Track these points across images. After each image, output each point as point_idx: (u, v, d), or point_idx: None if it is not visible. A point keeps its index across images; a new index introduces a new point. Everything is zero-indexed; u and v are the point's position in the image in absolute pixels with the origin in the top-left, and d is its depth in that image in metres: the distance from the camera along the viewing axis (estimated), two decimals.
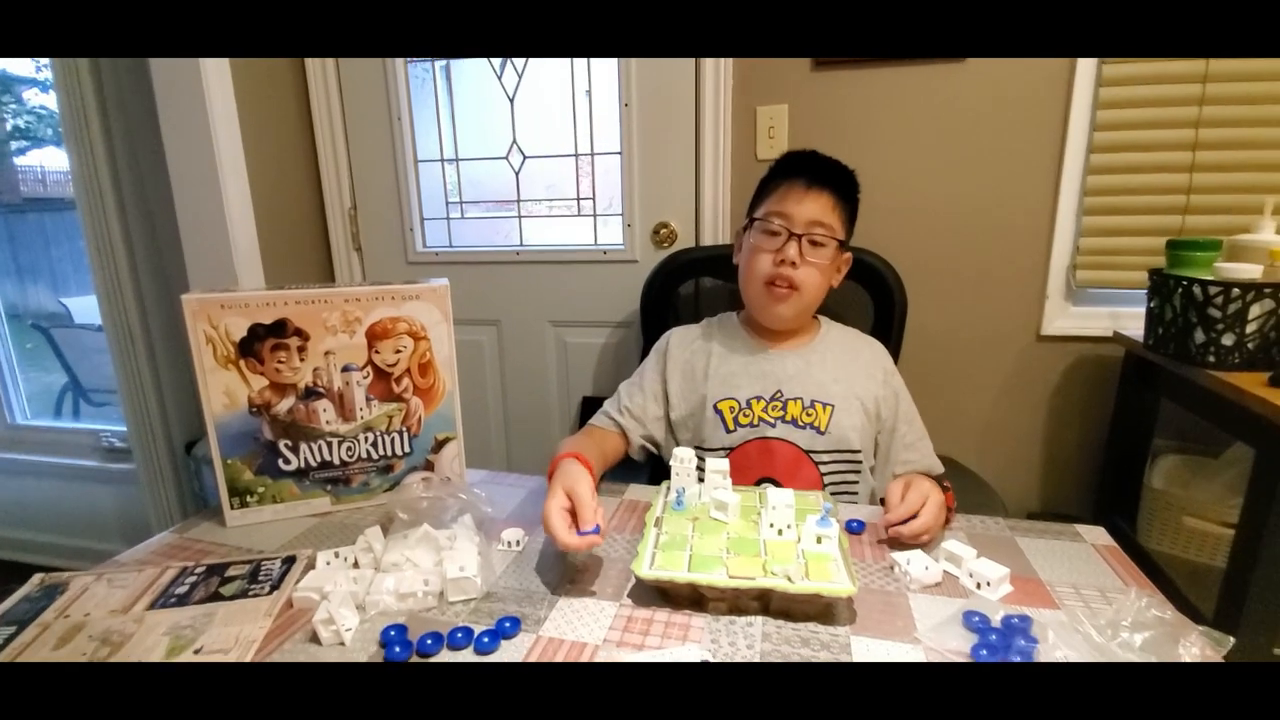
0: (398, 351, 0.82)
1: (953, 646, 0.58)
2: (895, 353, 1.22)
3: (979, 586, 0.67)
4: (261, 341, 0.77)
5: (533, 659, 0.57)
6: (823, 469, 0.91)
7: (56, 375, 2.77)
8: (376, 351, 0.81)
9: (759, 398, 0.93)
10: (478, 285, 1.61)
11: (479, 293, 1.62)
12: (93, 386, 2.72)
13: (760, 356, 0.96)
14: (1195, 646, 0.55)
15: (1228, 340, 1.03)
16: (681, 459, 0.76)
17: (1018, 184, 1.34)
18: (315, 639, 0.60)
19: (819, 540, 0.66)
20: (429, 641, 0.58)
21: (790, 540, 0.67)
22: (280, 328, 0.77)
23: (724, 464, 0.76)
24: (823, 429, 0.91)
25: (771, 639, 0.59)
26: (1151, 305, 1.15)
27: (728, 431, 0.92)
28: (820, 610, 0.62)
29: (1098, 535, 0.78)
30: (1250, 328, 1.02)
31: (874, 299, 1.22)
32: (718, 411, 0.93)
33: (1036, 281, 1.37)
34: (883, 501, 0.77)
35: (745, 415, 0.92)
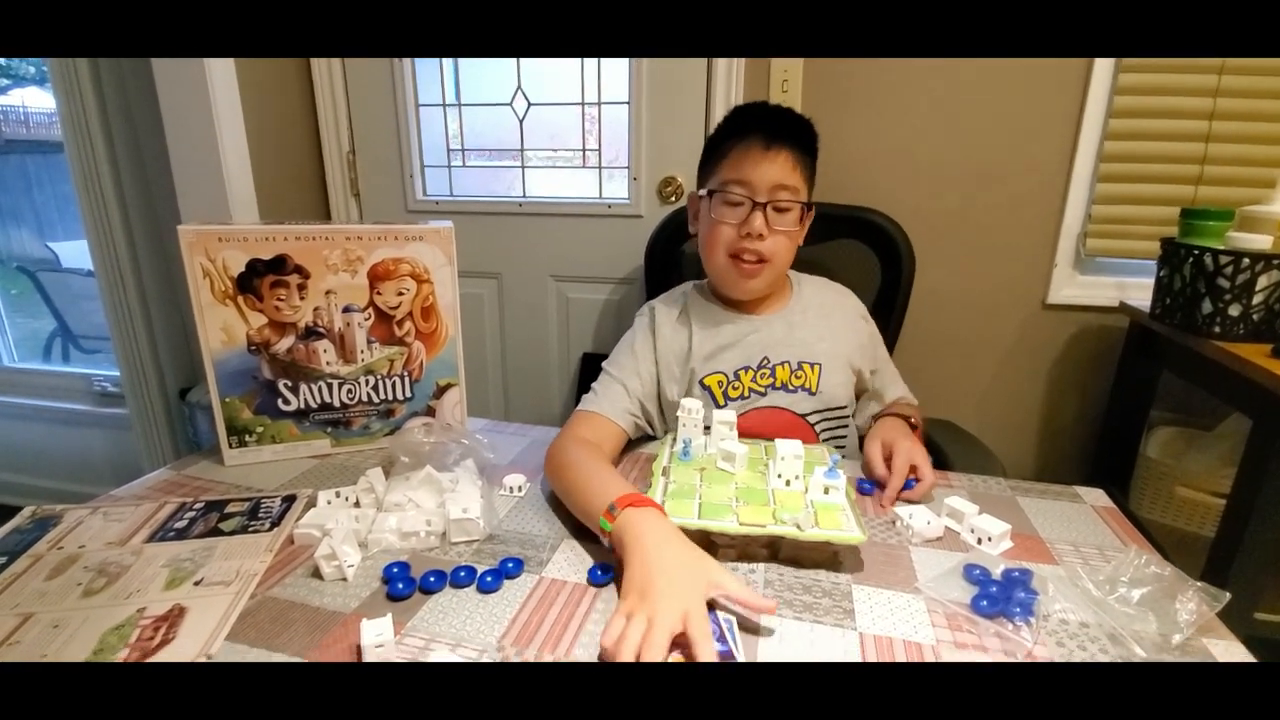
0: (400, 294, 0.80)
1: (953, 597, 0.58)
2: (900, 316, 1.21)
3: (980, 542, 0.67)
4: (260, 278, 0.75)
5: (535, 599, 0.57)
6: (816, 429, 0.91)
7: (44, 321, 2.72)
8: (378, 293, 0.79)
9: (746, 368, 0.89)
10: (479, 237, 1.58)
11: (480, 245, 1.59)
12: (82, 333, 2.68)
13: (741, 325, 0.91)
14: (1191, 602, 0.56)
15: (1234, 311, 1.02)
16: (689, 410, 0.75)
17: (1034, 147, 1.31)
18: (317, 574, 0.59)
19: (826, 491, 0.66)
20: (431, 579, 0.58)
21: (798, 491, 0.67)
22: (280, 264, 0.75)
23: (731, 415, 0.76)
24: (813, 389, 0.90)
25: (775, 586, 0.59)
26: (1160, 274, 1.14)
27: (718, 407, 0.90)
28: (828, 558, 0.62)
29: (1097, 497, 0.79)
30: (1257, 299, 1.01)
31: (881, 261, 1.20)
32: (706, 388, 0.89)
33: (1045, 248, 1.35)
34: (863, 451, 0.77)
35: (735, 388, 0.89)
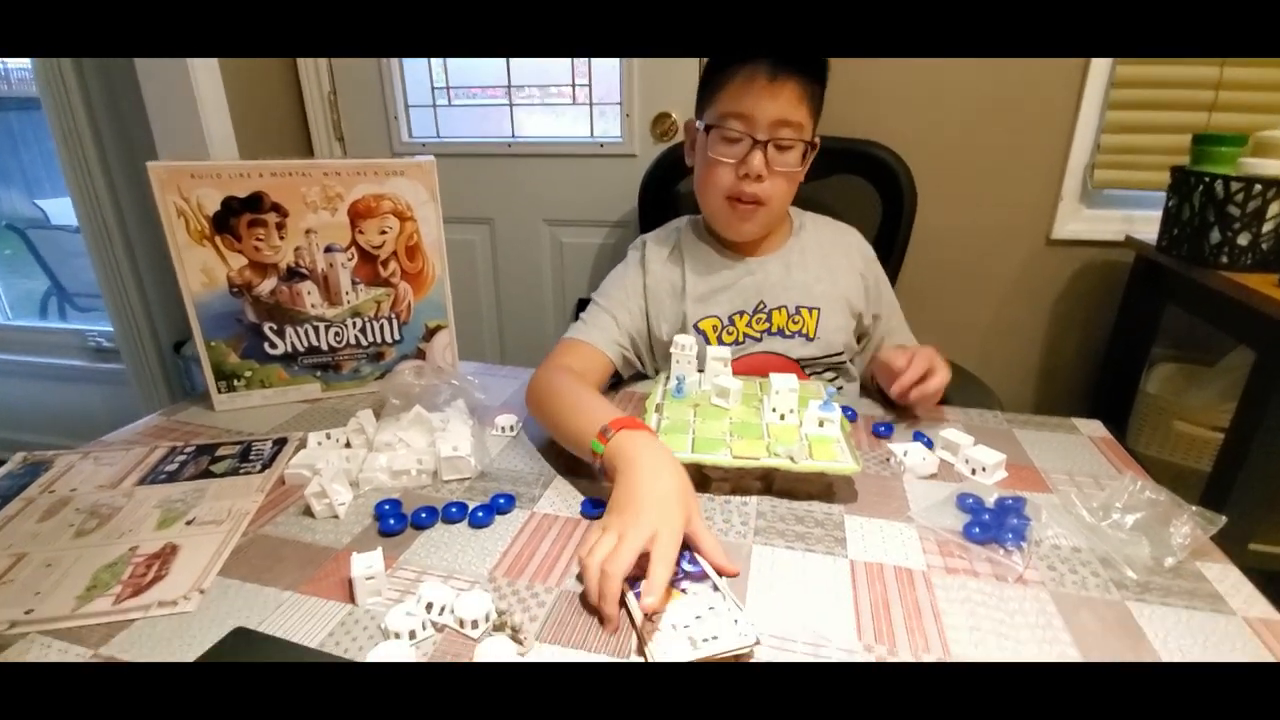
0: (383, 232, 0.78)
1: (945, 525, 0.58)
2: (901, 254, 1.19)
3: (974, 472, 0.67)
4: (237, 216, 0.72)
5: (527, 533, 0.57)
6: (814, 376, 0.89)
7: (38, 281, 2.69)
8: (360, 231, 0.77)
9: (741, 312, 0.86)
10: (468, 180, 1.54)
11: (470, 188, 1.55)
12: (76, 291, 2.65)
13: (737, 268, 0.87)
14: (1186, 526, 0.56)
15: (1243, 240, 1.00)
16: (682, 346, 0.74)
17: (1041, 73, 1.26)
18: (308, 513, 0.59)
19: (821, 424, 0.65)
20: (423, 515, 0.58)
21: (793, 424, 0.66)
22: (256, 202, 0.72)
23: (725, 352, 0.74)
24: (811, 335, 0.86)
25: (766, 516, 0.59)
26: (1169, 204, 1.11)
27: None
28: (821, 490, 0.62)
29: (1094, 428, 0.78)
30: (1267, 227, 0.99)
31: (882, 196, 1.17)
32: (700, 332, 0.86)
33: (1052, 181, 1.31)
34: (873, 379, 0.75)
35: (729, 333, 0.86)
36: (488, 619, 0.46)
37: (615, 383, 0.88)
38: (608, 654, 0.44)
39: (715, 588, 0.49)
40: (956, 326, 1.44)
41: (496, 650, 0.43)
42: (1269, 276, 0.96)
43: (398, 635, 0.45)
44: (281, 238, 0.74)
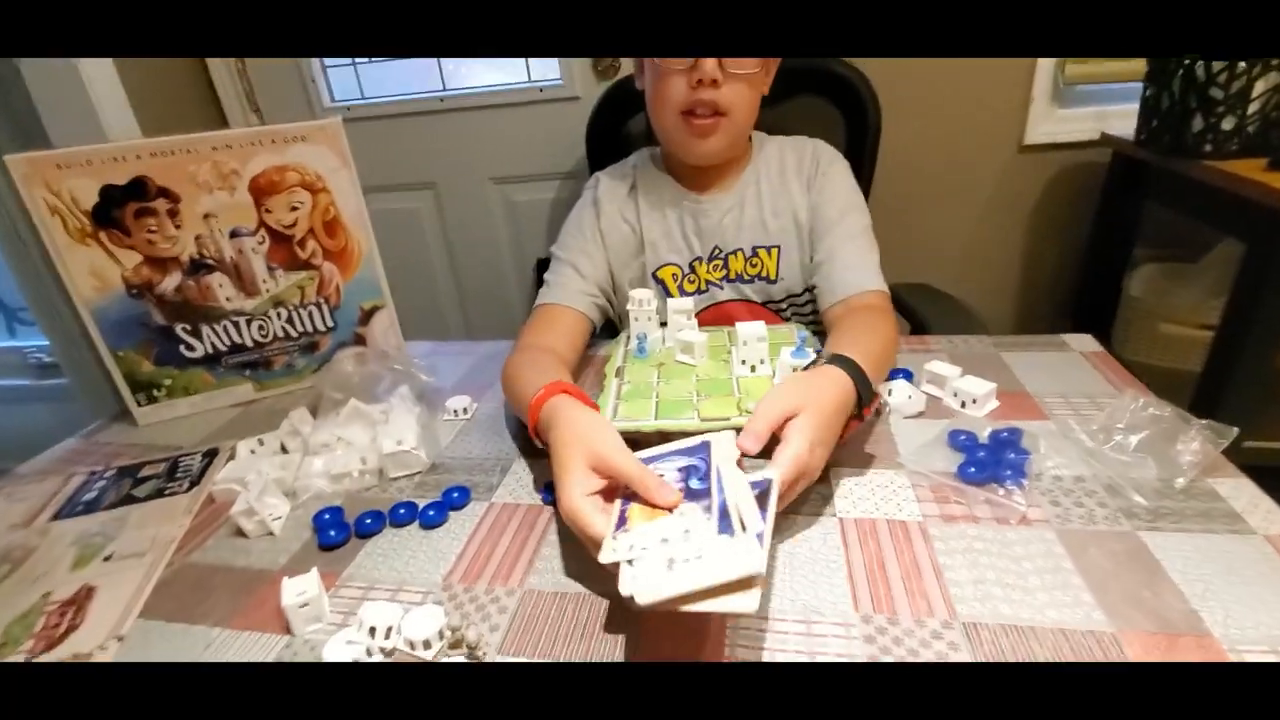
0: (293, 209, 0.69)
1: (938, 468, 0.53)
2: (869, 176, 1.11)
3: (964, 405, 0.62)
4: (120, 207, 0.63)
5: (485, 529, 0.52)
6: (785, 319, 0.82)
7: None
8: (267, 210, 0.68)
9: (699, 259, 0.80)
10: (403, 143, 1.43)
11: (406, 152, 1.44)
12: (19, 305, 2.50)
13: (690, 209, 0.79)
14: (1195, 442, 0.52)
15: (1227, 125, 0.94)
16: (640, 300, 0.67)
17: None
18: (241, 533, 0.53)
19: (795, 373, 0.59)
20: (368, 521, 0.52)
21: (765, 375, 0.61)
22: (140, 189, 0.63)
23: (687, 303, 0.68)
24: (773, 277, 0.79)
25: None
26: (1147, 94, 1.05)
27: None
28: None
29: (1084, 343, 0.74)
30: (1252, 108, 0.93)
31: (845, 115, 1.08)
32: (659, 282, 0.79)
33: (1021, 83, 1.24)
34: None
35: (690, 281, 0.80)
36: (441, 636, 0.41)
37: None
38: (582, 659, 0.40)
39: (724, 512, 0.40)
40: (930, 249, 1.38)
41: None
42: (1257, 161, 0.91)
43: None
44: (177, 226, 0.66)
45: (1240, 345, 0.88)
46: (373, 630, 0.41)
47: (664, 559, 0.37)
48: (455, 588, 0.46)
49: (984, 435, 0.56)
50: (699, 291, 0.80)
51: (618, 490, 0.46)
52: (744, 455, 0.46)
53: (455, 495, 0.54)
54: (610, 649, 0.40)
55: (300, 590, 0.43)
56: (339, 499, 0.57)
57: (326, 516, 0.53)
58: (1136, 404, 0.55)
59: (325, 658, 0.40)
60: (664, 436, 0.55)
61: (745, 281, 0.80)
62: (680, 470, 0.46)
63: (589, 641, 0.41)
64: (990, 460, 0.53)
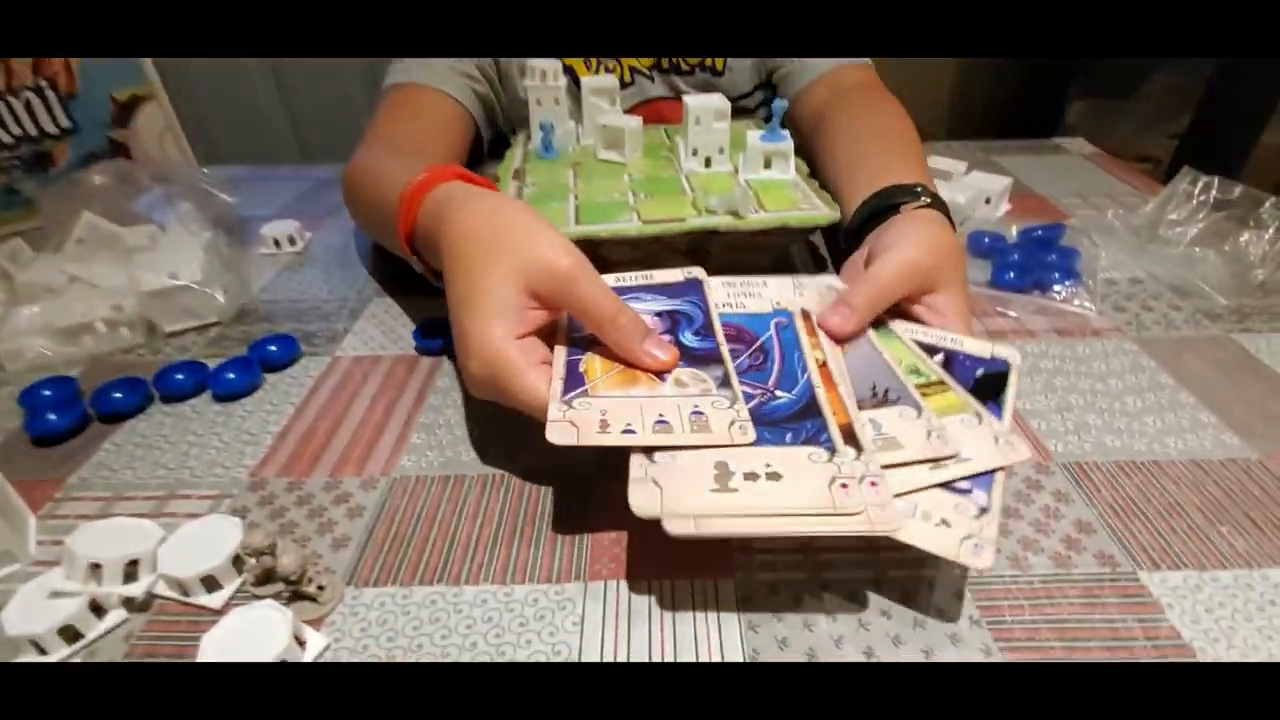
0: None
1: (970, 279, 0.40)
2: None
3: (985, 203, 0.49)
4: None
5: (323, 394, 0.33)
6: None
7: None
8: None
9: None
10: None
11: None
12: None
13: None
14: (1269, 228, 0.41)
15: None
16: (543, 72, 0.46)
17: None
18: None
19: (768, 163, 0.43)
20: (116, 395, 0.32)
21: (725, 173, 0.44)
22: None
23: (609, 80, 0.48)
24: (719, 68, 0.61)
25: None
26: None
27: None
28: (782, 257, 0.41)
29: (1080, 145, 0.63)
30: None
31: None
32: (568, 70, 0.57)
33: None
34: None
35: (607, 70, 0.59)
36: (239, 567, 0.23)
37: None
38: (491, 592, 0.23)
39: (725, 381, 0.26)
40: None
41: (264, 631, 0.21)
42: None
43: (36, 645, 0.21)
44: None
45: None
46: (95, 568, 0.22)
47: (709, 463, 0.22)
48: (272, 485, 0.28)
49: (1012, 235, 0.43)
50: (624, 84, 0.59)
51: (558, 332, 0.28)
52: (833, 336, 0.29)
53: (272, 349, 0.35)
54: (547, 566, 0.24)
55: None
56: (75, 368, 0.35)
57: (46, 393, 0.32)
58: (1195, 187, 0.43)
59: (7, 630, 0.21)
60: (594, 248, 0.37)
61: (682, 73, 0.60)
62: (657, 316, 0.29)
63: (505, 550, 0.25)
64: (1029, 262, 0.40)
